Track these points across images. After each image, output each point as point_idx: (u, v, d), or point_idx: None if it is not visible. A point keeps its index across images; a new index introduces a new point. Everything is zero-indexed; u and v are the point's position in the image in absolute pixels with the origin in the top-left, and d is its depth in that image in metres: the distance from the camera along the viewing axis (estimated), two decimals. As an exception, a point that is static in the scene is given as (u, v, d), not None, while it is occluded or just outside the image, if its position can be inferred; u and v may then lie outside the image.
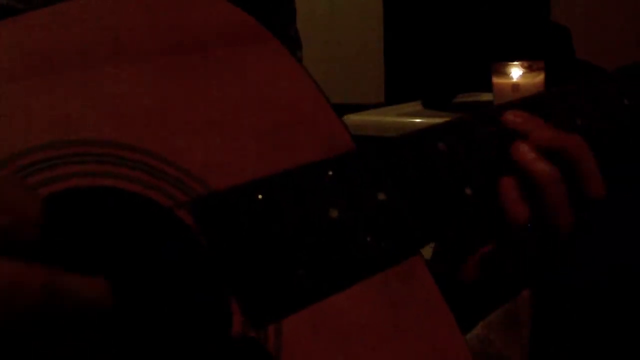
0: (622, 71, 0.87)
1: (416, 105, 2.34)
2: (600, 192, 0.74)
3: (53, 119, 0.59)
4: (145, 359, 0.64)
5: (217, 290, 0.60)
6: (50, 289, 0.49)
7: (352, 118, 2.17)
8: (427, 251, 0.73)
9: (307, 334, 0.61)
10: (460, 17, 2.49)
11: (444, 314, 0.67)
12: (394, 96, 2.73)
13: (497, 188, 0.73)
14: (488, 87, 2.04)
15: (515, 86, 1.96)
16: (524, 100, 0.80)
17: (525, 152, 0.73)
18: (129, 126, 0.61)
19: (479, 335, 1.38)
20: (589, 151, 0.74)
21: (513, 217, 0.72)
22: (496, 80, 2.00)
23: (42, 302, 0.49)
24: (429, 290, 0.67)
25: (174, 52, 0.65)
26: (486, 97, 2.18)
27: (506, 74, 1.99)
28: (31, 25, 0.61)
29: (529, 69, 1.98)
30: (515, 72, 1.98)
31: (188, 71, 0.65)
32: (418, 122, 2.13)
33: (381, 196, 0.67)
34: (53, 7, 0.63)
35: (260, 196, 0.63)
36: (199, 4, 0.68)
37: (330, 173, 0.66)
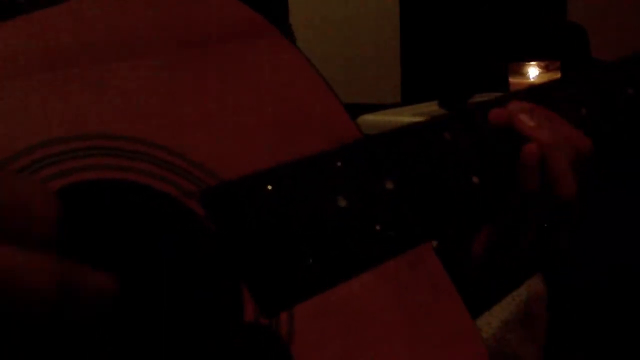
0: (626, 60, 0.87)
1: (432, 105, 2.34)
2: (589, 147, 0.76)
3: (63, 114, 0.60)
4: (158, 349, 0.65)
5: (228, 279, 0.61)
6: (63, 282, 0.49)
7: (368, 118, 2.17)
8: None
9: (320, 321, 0.62)
10: (476, 17, 2.49)
11: (454, 300, 0.67)
12: (410, 96, 2.73)
13: (520, 155, 0.74)
14: (504, 87, 2.04)
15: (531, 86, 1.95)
16: (528, 91, 0.81)
17: (527, 121, 0.75)
18: (138, 121, 0.62)
19: (495, 335, 1.38)
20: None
21: (528, 185, 0.74)
22: (512, 80, 2.01)
23: (54, 295, 0.48)
24: (438, 277, 0.68)
25: (182, 47, 0.66)
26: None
27: (523, 74, 1.99)
28: (41, 22, 0.62)
29: (546, 68, 1.98)
30: (532, 71, 1.99)
31: (196, 66, 0.66)
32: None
33: (389, 185, 0.68)
34: (63, 5, 0.63)
35: (269, 186, 0.63)
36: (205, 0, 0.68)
37: (339, 163, 0.66)
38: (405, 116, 2.25)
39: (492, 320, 1.36)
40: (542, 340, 1.48)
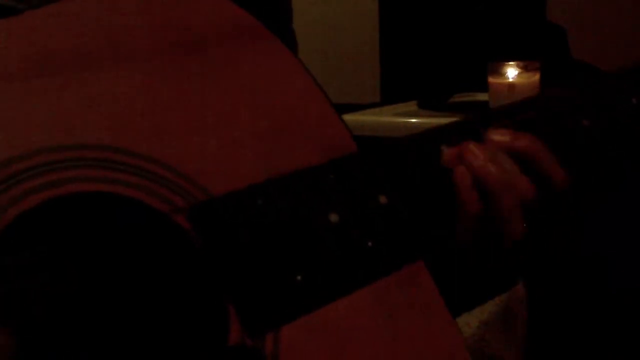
0: (630, 69, 0.86)
1: (412, 105, 2.33)
2: (563, 179, 0.74)
3: (50, 122, 0.59)
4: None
5: (214, 298, 0.60)
6: None
7: (348, 118, 2.14)
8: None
9: (306, 341, 0.61)
10: (456, 16, 2.49)
11: (445, 320, 0.66)
12: (389, 96, 2.73)
13: (452, 176, 0.71)
14: (484, 87, 2.04)
15: (511, 86, 1.96)
16: (530, 101, 0.79)
17: (474, 157, 0.72)
18: (126, 130, 0.61)
19: (474, 335, 1.38)
20: (541, 145, 0.74)
21: (465, 206, 0.71)
22: (492, 80, 2.00)
23: None
24: (430, 296, 0.66)
25: (172, 52, 0.64)
26: (482, 97, 2.18)
27: (502, 74, 1.99)
28: (28, 26, 0.61)
29: (525, 69, 1.98)
30: (511, 72, 1.98)
31: (187, 72, 0.65)
32: (413, 122, 2.13)
33: (383, 200, 0.67)
34: (50, 8, 0.62)
35: (259, 201, 0.62)
36: (198, 2, 0.67)
37: (332, 177, 0.65)
38: (384, 116, 2.25)
39: (471, 321, 1.36)
40: (522, 341, 1.48)
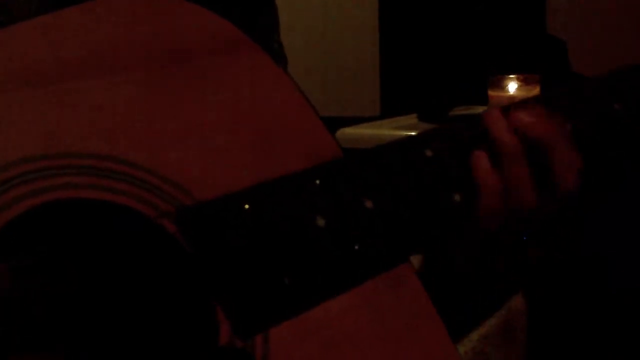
0: (612, 75, 0.86)
1: (412, 118, 2.34)
2: (570, 186, 0.74)
3: (37, 131, 0.59)
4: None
5: (203, 300, 0.60)
6: None
7: (347, 131, 2.16)
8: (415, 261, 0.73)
9: (295, 343, 0.61)
10: (456, 30, 2.50)
11: (434, 321, 0.67)
12: (389, 109, 2.73)
13: (470, 161, 0.73)
14: (484, 100, 2.05)
15: (511, 99, 1.96)
16: (512, 107, 0.80)
17: (494, 120, 0.75)
18: (114, 138, 0.61)
19: (475, 349, 1.38)
20: (565, 141, 0.75)
21: (484, 187, 0.72)
22: (492, 93, 2.01)
23: None
24: (419, 298, 0.67)
25: (159, 63, 0.65)
26: (482, 110, 2.18)
27: (502, 87, 2.00)
28: (15, 38, 0.61)
29: (525, 82, 1.99)
30: (511, 85, 1.99)
31: (174, 82, 0.65)
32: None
33: (369, 204, 0.67)
34: (36, 20, 0.62)
35: (246, 206, 0.63)
36: (184, 14, 0.67)
37: (318, 182, 0.66)
38: (384, 129, 2.25)
39: (471, 334, 1.35)
40: (522, 352, 1.48)
